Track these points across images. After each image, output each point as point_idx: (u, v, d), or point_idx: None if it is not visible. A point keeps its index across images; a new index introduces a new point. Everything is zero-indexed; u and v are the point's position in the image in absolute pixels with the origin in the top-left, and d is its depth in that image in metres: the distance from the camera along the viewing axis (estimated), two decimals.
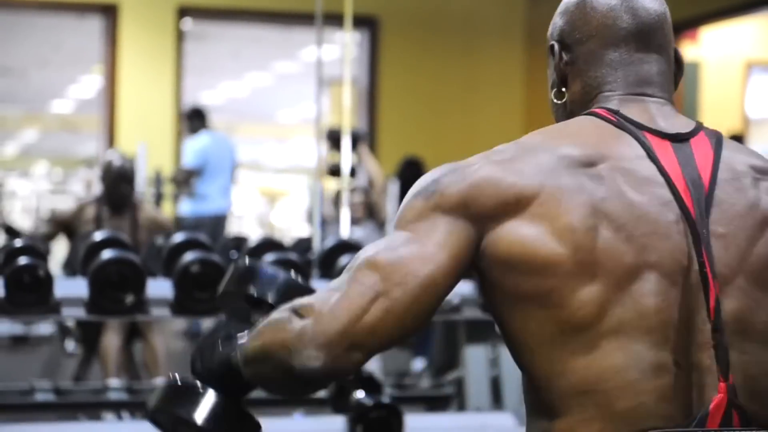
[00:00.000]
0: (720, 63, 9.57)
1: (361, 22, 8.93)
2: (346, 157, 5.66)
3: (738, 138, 7.24)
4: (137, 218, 5.45)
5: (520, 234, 1.36)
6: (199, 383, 1.46)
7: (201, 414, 1.43)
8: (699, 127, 1.47)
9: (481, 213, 1.38)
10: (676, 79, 1.54)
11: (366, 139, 7.31)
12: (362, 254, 1.39)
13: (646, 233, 1.37)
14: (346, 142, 5.41)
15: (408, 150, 9.18)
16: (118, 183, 5.40)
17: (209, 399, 1.44)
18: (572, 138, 1.43)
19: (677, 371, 1.35)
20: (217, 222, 7.97)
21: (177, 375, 1.50)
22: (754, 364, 1.38)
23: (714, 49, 9.52)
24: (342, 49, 6.18)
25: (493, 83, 9.33)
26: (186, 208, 8.05)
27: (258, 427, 1.49)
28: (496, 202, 1.38)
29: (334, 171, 6.83)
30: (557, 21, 1.55)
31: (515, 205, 1.37)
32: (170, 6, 8.67)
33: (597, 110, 1.48)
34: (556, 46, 1.54)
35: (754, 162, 1.47)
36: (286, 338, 1.34)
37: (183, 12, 8.77)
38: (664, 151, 1.42)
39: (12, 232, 5.47)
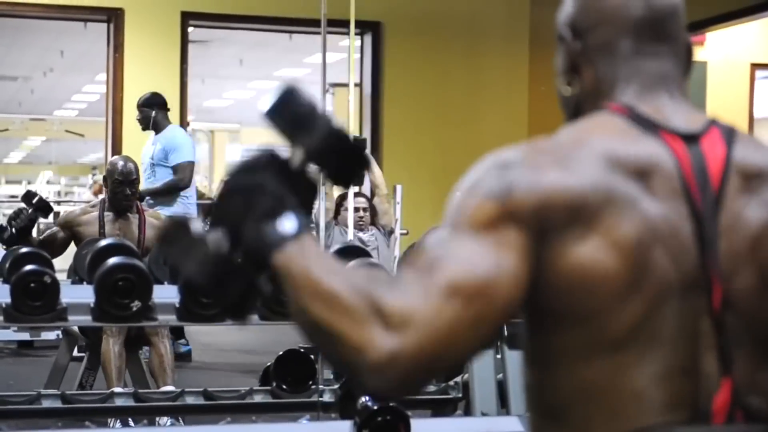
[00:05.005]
0: (725, 65, 9.59)
1: (365, 26, 8.93)
2: None
3: None
4: (142, 224, 5.42)
5: (579, 251, 1.32)
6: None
7: None
8: (712, 123, 1.43)
9: (548, 227, 1.32)
10: (688, 67, 1.49)
11: (367, 144, 7.26)
12: (440, 271, 1.27)
13: (675, 249, 1.35)
14: None
15: (412, 154, 9.19)
16: (121, 185, 5.39)
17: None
18: (609, 138, 1.38)
19: (684, 378, 1.35)
20: None
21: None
22: (757, 363, 1.38)
23: (719, 51, 9.54)
24: (346, 53, 6.17)
25: (497, 87, 9.32)
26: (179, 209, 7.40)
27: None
28: (565, 215, 1.32)
29: None
30: (567, 6, 1.49)
31: (578, 217, 1.32)
32: (175, 11, 8.68)
33: (613, 107, 1.43)
34: (567, 32, 1.48)
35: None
36: (362, 345, 1.24)
37: (187, 17, 8.78)
38: (679, 151, 1.38)
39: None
